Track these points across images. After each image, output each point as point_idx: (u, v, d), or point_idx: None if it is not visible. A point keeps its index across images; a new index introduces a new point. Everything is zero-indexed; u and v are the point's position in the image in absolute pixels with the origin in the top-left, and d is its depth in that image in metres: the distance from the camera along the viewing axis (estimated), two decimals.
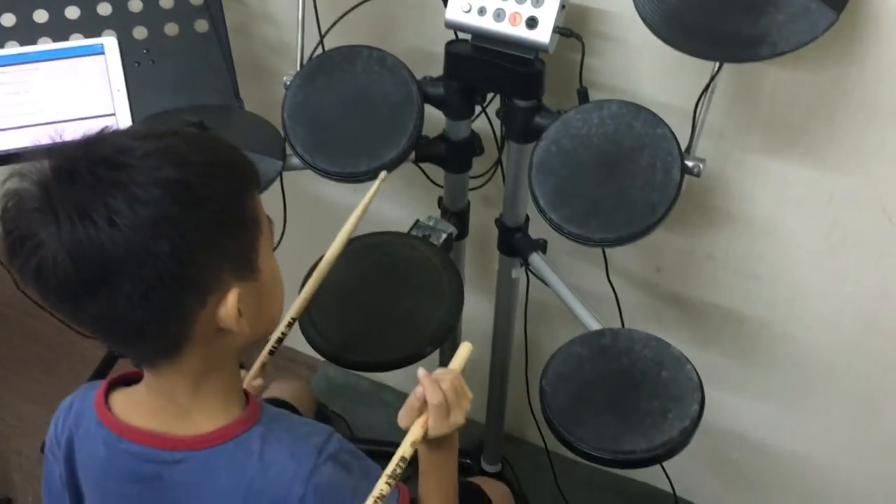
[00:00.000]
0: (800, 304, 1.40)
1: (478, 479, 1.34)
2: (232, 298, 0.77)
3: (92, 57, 1.35)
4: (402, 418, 0.91)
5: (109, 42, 1.35)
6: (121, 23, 1.37)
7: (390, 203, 1.58)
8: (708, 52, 1.05)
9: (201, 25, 1.40)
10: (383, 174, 1.13)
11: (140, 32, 1.38)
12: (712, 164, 1.29)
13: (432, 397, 0.88)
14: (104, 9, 1.37)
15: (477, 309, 1.65)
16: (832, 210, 1.28)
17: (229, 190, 0.77)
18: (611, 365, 1.14)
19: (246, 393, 0.89)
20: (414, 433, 0.89)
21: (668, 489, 1.72)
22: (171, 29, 1.39)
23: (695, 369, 1.12)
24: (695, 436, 1.54)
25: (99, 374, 1.83)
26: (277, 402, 1.39)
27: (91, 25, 1.36)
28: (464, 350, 0.96)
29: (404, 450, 0.87)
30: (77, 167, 0.71)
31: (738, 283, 1.43)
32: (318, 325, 1.20)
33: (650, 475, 1.76)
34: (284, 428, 0.87)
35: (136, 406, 0.87)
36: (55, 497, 0.94)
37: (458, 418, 0.91)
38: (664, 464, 1.52)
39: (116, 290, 0.71)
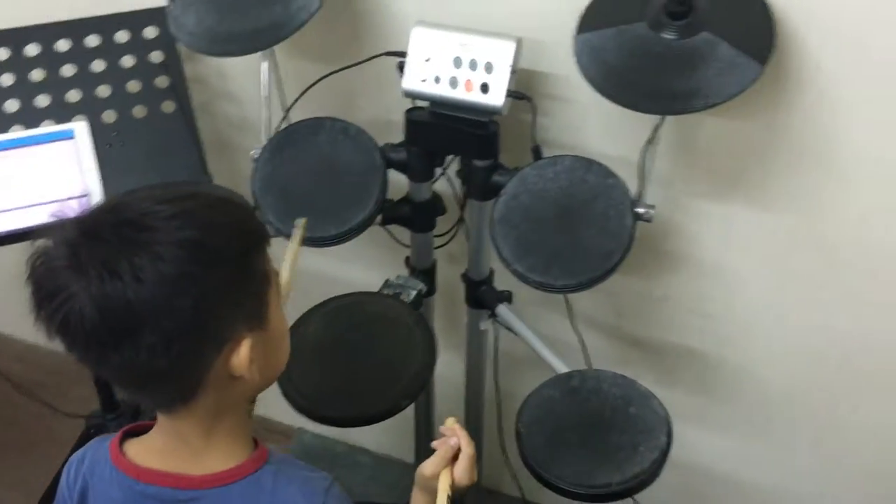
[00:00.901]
0: (751, 340, 1.48)
1: None
2: (244, 348, 0.82)
3: (62, 142, 1.39)
4: (431, 466, 0.98)
5: (79, 127, 1.40)
6: (90, 108, 1.43)
7: (360, 266, 1.63)
8: (648, 106, 1.14)
9: (168, 106, 1.46)
10: (301, 221, 1.20)
11: (109, 116, 1.43)
12: (662, 211, 1.38)
13: (468, 447, 0.96)
14: (73, 96, 1.43)
15: (448, 364, 1.69)
16: (773, 249, 1.37)
17: (243, 248, 0.83)
18: (581, 405, 1.20)
19: (255, 439, 0.93)
20: (445, 483, 0.95)
21: None
22: (140, 111, 1.45)
23: (661, 404, 1.18)
24: (663, 472, 1.61)
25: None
26: None
27: (61, 112, 1.42)
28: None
29: (442, 500, 0.94)
30: (104, 228, 0.77)
31: (694, 323, 1.51)
32: (297, 383, 1.24)
33: None
34: (293, 469, 0.91)
35: (149, 451, 0.91)
36: None
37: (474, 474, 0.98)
38: (637, 502, 1.59)
39: (140, 341, 0.76)
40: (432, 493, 0.98)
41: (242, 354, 0.82)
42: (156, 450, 0.91)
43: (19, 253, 2.20)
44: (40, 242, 0.79)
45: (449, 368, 1.70)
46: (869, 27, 1.13)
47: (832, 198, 1.28)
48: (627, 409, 1.18)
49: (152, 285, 0.75)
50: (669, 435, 1.14)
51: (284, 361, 0.94)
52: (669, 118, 1.24)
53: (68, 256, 0.76)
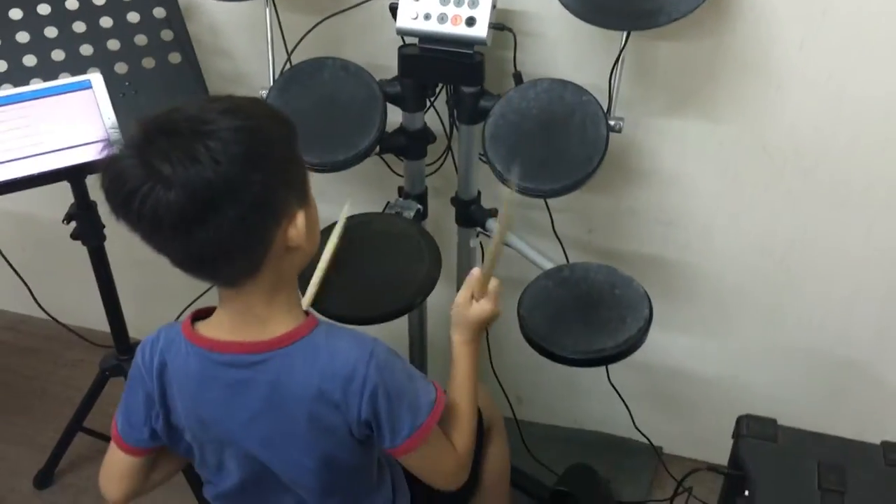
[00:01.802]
0: (707, 242, 1.69)
1: None
2: (301, 219, 0.98)
3: (81, 91, 1.51)
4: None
5: (95, 78, 1.51)
6: (103, 60, 1.54)
7: (358, 197, 1.77)
8: (618, 23, 1.33)
9: (174, 57, 1.59)
10: (347, 205, 1.39)
11: (121, 68, 1.55)
12: (625, 130, 1.56)
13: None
14: (86, 49, 1.54)
15: (438, 292, 1.85)
16: (723, 156, 1.58)
17: (286, 134, 0.99)
18: (573, 290, 1.38)
19: (305, 312, 1.09)
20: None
21: (618, 433, 1.96)
22: (149, 62, 1.57)
23: (640, 285, 1.36)
24: (634, 374, 1.81)
25: (82, 410, 1.92)
26: None
27: (76, 65, 1.53)
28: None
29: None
30: (174, 124, 0.90)
31: (657, 231, 1.71)
32: (321, 294, 1.38)
33: (604, 423, 2.00)
34: (341, 330, 1.07)
35: (219, 328, 1.05)
36: (135, 413, 1.11)
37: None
38: (626, 405, 1.77)
39: (223, 214, 0.90)
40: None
41: (300, 225, 0.98)
42: (224, 326, 1.06)
43: (18, 230, 2.29)
44: (106, 153, 0.91)
45: (439, 296, 1.86)
46: None
47: (770, 106, 1.49)
48: (613, 290, 1.36)
49: (228, 164, 0.89)
50: (650, 308, 1.32)
51: (319, 237, 1.09)
52: (630, 45, 1.43)
53: (140, 156, 0.89)
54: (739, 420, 1.25)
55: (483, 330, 1.21)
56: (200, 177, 0.88)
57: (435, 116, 1.62)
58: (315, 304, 1.35)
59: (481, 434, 1.45)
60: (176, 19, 1.60)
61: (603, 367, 1.76)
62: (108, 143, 0.94)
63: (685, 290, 1.77)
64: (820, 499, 1.10)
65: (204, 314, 1.10)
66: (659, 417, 1.94)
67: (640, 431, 1.86)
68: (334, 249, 1.37)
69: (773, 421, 1.25)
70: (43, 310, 2.06)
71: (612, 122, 1.40)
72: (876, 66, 1.40)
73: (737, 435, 1.22)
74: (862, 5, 1.36)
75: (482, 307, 1.18)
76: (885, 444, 1.20)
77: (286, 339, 1.03)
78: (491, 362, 1.87)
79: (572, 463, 1.85)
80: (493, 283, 1.20)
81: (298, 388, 1.02)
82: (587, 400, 1.99)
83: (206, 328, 1.07)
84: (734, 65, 1.47)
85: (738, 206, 1.62)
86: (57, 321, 2.11)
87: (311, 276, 1.34)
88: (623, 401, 1.80)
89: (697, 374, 1.88)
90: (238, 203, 0.91)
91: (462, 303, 1.20)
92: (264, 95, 1.49)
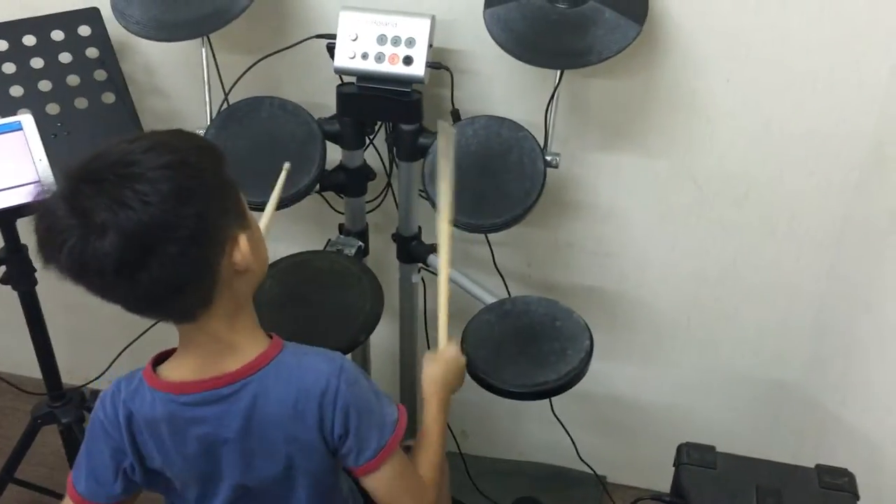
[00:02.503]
0: (643, 272, 1.73)
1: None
2: (243, 242, 0.98)
3: (12, 133, 1.47)
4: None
5: (26, 119, 1.48)
6: (33, 102, 1.52)
7: (299, 236, 1.77)
8: (551, 62, 1.36)
9: (108, 97, 1.57)
10: (287, 165, 1.35)
11: (53, 108, 1.53)
12: (561, 165, 1.59)
13: None
14: (16, 91, 1.52)
15: (382, 330, 1.85)
16: (656, 188, 1.62)
17: (214, 161, 0.98)
18: (514, 323, 1.39)
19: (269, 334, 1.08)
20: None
21: (565, 465, 1.97)
22: (81, 103, 1.55)
23: (580, 317, 1.38)
24: (577, 404, 1.82)
25: (14, 459, 1.86)
26: None
27: (6, 106, 1.50)
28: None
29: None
30: (100, 172, 0.89)
31: (595, 263, 1.74)
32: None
33: (548, 454, 2.01)
34: (307, 348, 1.07)
35: (184, 367, 1.03)
36: (102, 470, 1.08)
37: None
38: (570, 435, 1.78)
39: (162, 254, 0.89)
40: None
41: (243, 248, 0.98)
42: (189, 365, 1.04)
43: None
44: (39, 203, 0.90)
45: (382, 333, 1.85)
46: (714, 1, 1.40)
47: (700, 140, 1.54)
48: (554, 322, 1.38)
49: (159, 204, 0.88)
50: (591, 339, 1.34)
51: (267, 257, 1.08)
52: (564, 82, 1.47)
53: (70, 208, 0.88)
54: (680, 448, 1.28)
55: (453, 379, 1.25)
56: (132, 221, 0.87)
57: (375, 154, 1.63)
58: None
59: None
60: (109, 59, 1.58)
61: (547, 399, 1.79)
62: (41, 189, 0.92)
63: (624, 320, 1.80)
64: None
65: (165, 356, 1.07)
66: (603, 446, 1.96)
67: (583, 461, 1.87)
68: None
69: (712, 448, 1.28)
70: None
71: (548, 158, 1.43)
72: (798, 101, 1.46)
73: (678, 463, 1.25)
74: (784, 41, 1.42)
75: (443, 358, 1.24)
76: (819, 467, 1.24)
77: (257, 363, 1.03)
78: None
79: (518, 496, 1.85)
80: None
81: (274, 410, 1.02)
82: (532, 432, 2.00)
83: (169, 371, 1.05)
84: (664, 100, 1.52)
85: (673, 237, 1.67)
86: None
87: None
88: (566, 431, 1.81)
89: (639, 402, 1.91)
90: (176, 240, 0.90)
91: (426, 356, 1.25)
92: (202, 135, 1.48)
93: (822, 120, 1.47)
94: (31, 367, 1.75)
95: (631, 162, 1.60)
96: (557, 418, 1.78)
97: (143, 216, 0.88)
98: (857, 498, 1.18)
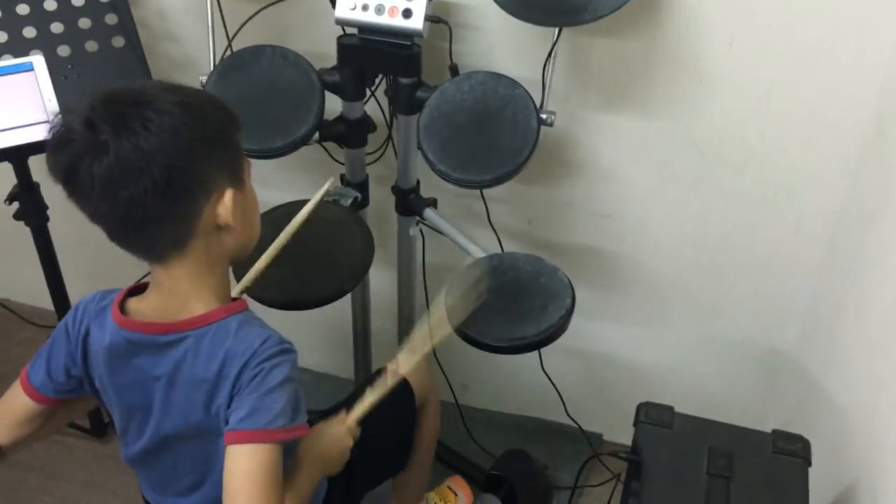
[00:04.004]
0: (642, 234, 1.73)
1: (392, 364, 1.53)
2: (228, 196, 1.02)
3: (23, 73, 1.52)
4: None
5: (38, 60, 1.53)
6: (46, 43, 1.56)
7: (300, 184, 1.81)
8: (546, 20, 1.36)
9: (118, 41, 1.61)
10: (331, 180, 1.41)
11: (64, 50, 1.57)
12: (561, 124, 1.60)
13: None
14: (29, 32, 1.56)
15: (381, 279, 1.89)
16: (657, 151, 1.61)
17: (222, 118, 1.03)
18: (500, 279, 1.41)
19: (234, 299, 1.12)
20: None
21: (560, 420, 2.00)
22: (91, 46, 1.59)
23: (565, 275, 1.40)
24: (572, 362, 1.84)
25: None
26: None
27: (19, 47, 1.54)
28: None
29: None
30: (117, 96, 0.96)
31: (594, 223, 1.74)
32: (258, 279, 1.41)
33: (543, 409, 2.04)
34: (258, 323, 1.09)
35: (143, 305, 1.09)
36: (56, 365, 1.15)
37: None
38: (559, 392, 1.81)
39: (148, 178, 0.94)
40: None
41: (227, 202, 1.02)
42: (149, 304, 1.09)
43: None
44: (59, 119, 0.97)
45: (382, 283, 1.90)
46: None
47: (700, 103, 1.53)
48: (539, 279, 1.40)
49: (158, 133, 0.94)
50: (573, 297, 1.36)
51: (258, 229, 1.12)
52: (564, 40, 1.46)
53: (84, 122, 0.94)
54: (639, 407, 1.30)
55: (333, 456, 1.21)
56: (131, 142, 0.93)
57: (377, 106, 1.65)
58: (248, 286, 1.38)
59: (415, 409, 1.49)
60: (121, 4, 1.61)
61: (542, 355, 1.82)
62: (55, 121, 0.98)
63: (622, 281, 1.80)
64: (707, 483, 1.15)
65: (141, 289, 1.13)
66: (598, 405, 1.98)
67: (571, 417, 1.90)
68: (300, 223, 1.37)
69: (671, 408, 1.30)
70: None
71: (543, 116, 1.43)
72: (800, 67, 1.44)
73: (636, 421, 1.26)
74: (789, 7, 1.39)
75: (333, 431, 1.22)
76: (775, 432, 1.25)
77: (200, 320, 1.06)
78: (433, 351, 1.90)
79: (509, 448, 1.89)
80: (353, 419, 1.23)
81: (200, 370, 1.05)
82: (529, 387, 2.03)
83: (134, 303, 1.10)
84: (666, 62, 1.51)
85: (672, 201, 1.66)
86: (5, 303, 2.12)
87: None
88: (555, 387, 1.84)
89: (634, 363, 1.92)
90: (164, 168, 0.95)
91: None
92: (204, 81, 1.51)
93: (824, 89, 1.44)
94: (47, 300, 1.83)
95: (632, 123, 1.60)
96: (546, 374, 1.80)
97: (141, 139, 0.94)
98: (809, 464, 1.19)
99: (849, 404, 1.38)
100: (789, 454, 1.19)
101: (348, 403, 1.26)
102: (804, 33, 1.41)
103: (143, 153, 0.94)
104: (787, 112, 1.49)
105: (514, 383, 2.05)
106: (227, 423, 1.04)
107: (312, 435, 1.15)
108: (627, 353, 1.91)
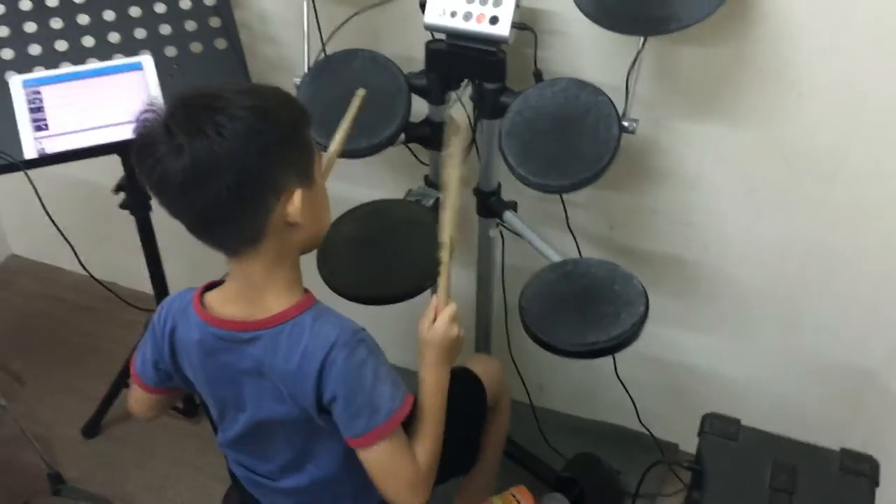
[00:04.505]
0: (726, 244, 1.70)
1: (468, 361, 1.56)
2: (297, 197, 1.07)
3: (132, 72, 1.63)
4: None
5: (146, 60, 1.63)
6: (154, 44, 1.66)
7: (385, 183, 1.86)
8: (632, 29, 1.36)
9: (221, 43, 1.69)
10: (361, 91, 1.40)
11: (170, 51, 1.66)
12: (646, 132, 1.60)
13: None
14: (140, 33, 1.66)
15: (459, 278, 1.91)
16: (743, 160, 1.59)
17: (294, 118, 1.08)
18: (574, 284, 1.42)
19: (306, 290, 1.17)
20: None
21: (635, 428, 1.99)
22: (196, 47, 1.68)
23: (640, 282, 1.40)
24: (652, 371, 1.83)
25: (129, 367, 2.07)
26: (466, 375, 1.52)
27: (130, 47, 1.65)
28: None
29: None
30: (194, 100, 1.03)
31: (677, 231, 1.73)
32: (338, 273, 1.47)
33: (619, 415, 2.03)
34: (330, 314, 1.14)
35: (222, 300, 1.16)
36: (149, 361, 1.25)
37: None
38: (632, 399, 1.81)
39: (220, 181, 1.00)
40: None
41: (296, 201, 1.07)
42: (227, 299, 1.16)
43: (79, 198, 2.47)
44: (142, 116, 1.03)
45: (461, 282, 1.92)
46: None
47: (790, 112, 1.50)
48: (613, 286, 1.40)
49: (231, 137, 1.00)
50: (646, 305, 1.36)
51: (328, 222, 1.18)
52: (651, 48, 1.46)
53: (164, 126, 1.00)
54: (704, 418, 1.29)
55: (446, 353, 1.22)
56: (205, 146, 0.99)
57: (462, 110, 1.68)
58: (323, 272, 1.44)
59: (486, 409, 1.52)
60: (224, 7, 1.70)
61: (619, 361, 1.82)
62: (146, 110, 1.04)
63: (704, 290, 1.79)
64: (769, 497, 1.13)
65: (216, 284, 1.19)
66: (676, 414, 1.96)
67: (644, 426, 1.89)
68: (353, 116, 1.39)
69: (737, 420, 1.28)
70: (89, 274, 2.20)
71: (625, 123, 1.43)
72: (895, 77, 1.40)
73: (700, 432, 1.26)
74: (883, 15, 1.36)
75: (435, 330, 1.21)
76: (843, 450, 1.22)
77: (277, 318, 1.12)
78: (510, 350, 1.93)
79: (580, 451, 1.90)
80: (449, 308, 1.22)
81: (282, 365, 1.11)
82: (605, 392, 2.02)
83: (212, 298, 1.17)
84: (755, 71, 1.49)
85: (758, 211, 1.64)
86: (106, 286, 2.25)
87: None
88: (629, 394, 1.84)
89: (714, 373, 1.90)
90: (235, 172, 1.01)
91: (421, 328, 1.22)
92: (297, 82, 1.58)
93: None
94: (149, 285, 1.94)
95: (718, 132, 1.58)
96: (620, 380, 1.80)
97: (214, 144, 0.99)
98: (877, 484, 1.16)
99: None
100: (856, 473, 1.16)
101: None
102: None
103: (216, 157, 0.99)
104: (883, 122, 1.45)
105: (589, 387, 2.05)
106: (321, 413, 1.11)
107: (428, 348, 1.20)
108: (707, 364, 1.89)
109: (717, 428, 1.24)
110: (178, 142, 0.99)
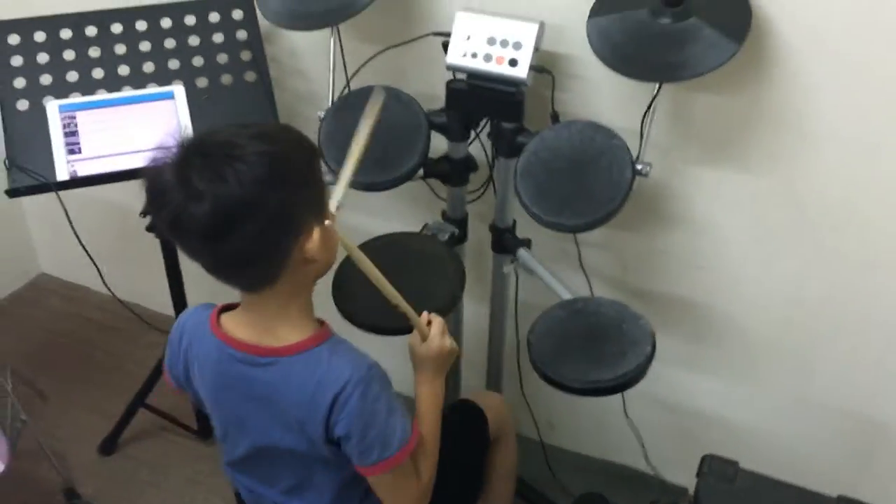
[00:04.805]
0: (736, 289, 1.72)
1: (471, 394, 1.61)
2: (316, 234, 1.09)
3: (164, 101, 1.69)
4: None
5: (178, 90, 1.70)
6: (186, 74, 1.72)
7: (403, 216, 1.90)
8: (646, 75, 1.40)
9: (250, 76, 1.75)
10: (380, 90, 1.41)
11: (202, 82, 1.73)
12: (661, 175, 1.63)
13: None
14: (173, 64, 1.72)
15: (474, 314, 1.95)
16: (755, 208, 1.61)
17: (306, 158, 1.11)
18: (583, 322, 1.45)
19: (321, 321, 1.20)
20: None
21: (644, 468, 2.00)
22: (227, 79, 1.74)
23: (648, 322, 1.42)
24: (661, 414, 1.83)
25: (146, 388, 2.13)
26: (469, 406, 1.57)
27: (163, 76, 1.71)
28: None
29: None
30: (210, 147, 1.04)
31: (688, 275, 1.75)
32: (352, 302, 1.50)
33: (629, 456, 2.04)
34: (344, 347, 1.18)
35: (238, 324, 1.19)
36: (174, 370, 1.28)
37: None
38: (641, 439, 1.82)
39: (244, 229, 1.02)
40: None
41: (315, 239, 1.10)
42: (243, 323, 1.19)
43: (108, 221, 2.54)
44: (149, 165, 1.05)
45: (475, 317, 1.96)
46: (825, 21, 1.38)
47: (803, 162, 1.52)
48: (621, 325, 1.42)
49: (251, 185, 1.01)
50: (653, 345, 1.37)
51: (336, 252, 1.20)
52: (667, 94, 1.50)
53: (177, 173, 1.02)
54: (703, 459, 1.30)
55: (442, 365, 1.29)
56: (227, 195, 1.00)
57: (481, 148, 1.72)
58: (338, 299, 1.48)
59: (488, 439, 1.54)
60: (255, 42, 1.76)
61: (628, 401, 1.83)
62: (154, 156, 1.06)
63: (713, 334, 1.80)
64: None
65: (230, 308, 1.23)
66: (684, 457, 1.95)
67: (651, 466, 1.89)
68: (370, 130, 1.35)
69: (735, 463, 1.29)
70: (113, 294, 2.26)
71: (639, 167, 1.46)
72: None
73: (699, 473, 1.26)
74: (894, 72, 1.38)
75: (430, 345, 1.28)
76: (840, 497, 1.22)
77: (294, 348, 1.15)
78: (521, 386, 1.94)
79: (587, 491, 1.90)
80: (437, 322, 1.30)
81: (294, 393, 1.14)
82: (616, 433, 2.03)
83: (228, 322, 1.20)
84: (770, 119, 1.51)
85: (769, 257, 1.65)
86: (130, 306, 2.31)
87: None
88: (637, 435, 1.84)
89: (723, 418, 1.90)
90: (259, 219, 1.03)
91: (414, 345, 1.30)
92: (321, 116, 1.63)
93: None
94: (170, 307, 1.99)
95: (731, 178, 1.60)
96: (629, 420, 1.81)
97: (236, 191, 1.00)
98: None
99: None
100: None
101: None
102: None
103: (237, 205, 1.01)
104: (893, 177, 1.46)
105: (600, 427, 2.06)
106: (330, 444, 1.15)
107: (421, 364, 1.28)
108: (717, 408, 1.89)
109: (716, 469, 1.25)
110: (198, 189, 0.99)
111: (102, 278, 2.17)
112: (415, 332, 1.29)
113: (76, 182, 1.62)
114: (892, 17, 1.33)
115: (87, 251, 1.91)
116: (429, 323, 1.31)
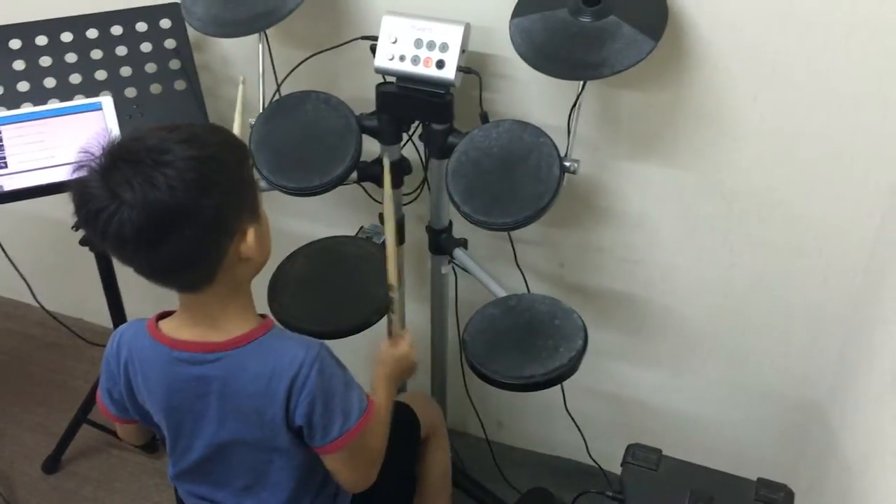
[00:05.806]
0: (671, 280, 1.75)
1: (401, 395, 1.63)
2: (251, 235, 1.11)
3: (92, 112, 1.67)
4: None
5: (106, 101, 1.68)
6: (114, 85, 1.71)
7: (339, 220, 1.90)
8: (567, 74, 1.42)
9: (179, 84, 1.74)
10: (242, 78, 1.47)
11: (130, 92, 1.71)
12: (592, 172, 1.66)
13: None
14: (101, 75, 1.71)
15: (415, 313, 1.96)
16: (684, 200, 1.64)
17: (237, 159, 1.12)
18: (516, 319, 1.46)
19: (262, 315, 1.21)
20: None
21: (591, 462, 2.02)
22: (156, 88, 1.73)
23: (580, 317, 1.44)
24: (603, 405, 1.86)
25: (88, 403, 2.10)
26: (401, 406, 1.57)
27: (90, 88, 1.70)
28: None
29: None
30: (137, 153, 1.02)
31: (624, 269, 1.78)
32: (285, 306, 1.51)
33: (573, 450, 2.06)
34: (291, 334, 1.20)
35: (179, 326, 1.19)
36: (103, 386, 1.27)
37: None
38: (584, 436, 1.84)
39: (178, 234, 1.03)
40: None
41: (250, 240, 1.11)
42: (185, 324, 1.19)
43: (42, 234, 2.50)
44: (77, 174, 1.03)
45: (417, 317, 1.97)
46: (741, 17, 1.41)
47: (726, 154, 1.55)
48: (553, 321, 1.44)
49: (183, 191, 1.01)
50: (585, 339, 1.40)
51: (270, 249, 1.21)
52: (592, 91, 1.52)
53: (105, 182, 1.01)
54: (628, 448, 1.32)
55: (400, 371, 1.37)
56: (158, 201, 1.00)
57: (414, 150, 1.73)
58: (272, 305, 1.51)
59: (418, 441, 1.55)
60: (184, 50, 1.75)
61: (569, 396, 1.85)
62: (79, 165, 1.06)
63: (652, 326, 1.83)
64: None
65: (166, 315, 1.23)
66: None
67: (593, 459, 1.92)
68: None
69: (659, 451, 1.32)
70: (45, 310, 2.21)
71: (567, 164, 1.48)
72: (824, 123, 1.45)
73: (623, 461, 1.29)
74: (809, 64, 1.42)
75: (399, 349, 1.37)
76: (760, 480, 1.25)
77: (241, 340, 1.16)
78: (465, 385, 1.95)
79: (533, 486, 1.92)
80: (408, 335, 1.39)
81: (249, 384, 1.15)
82: (560, 428, 2.05)
83: (168, 326, 1.20)
84: (692, 115, 1.54)
85: (700, 249, 1.69)
86: (69, 323, 2.27)
87: None
88: (579, 429, 1.87)
89: (662, 408, 1.93)
90: (192, 224, 1.03)
91: (383, 346, 1.39)
92: (252, 122, 1.63)
93: (849, 144, 1.45)
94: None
95: (660, 173, 1.63)
96: (570, 415, 1.83)
97: (168, 199, 1.00)
98: None
99: (854, 463, 1.37)
100: (771, 502, 1.19)
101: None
102: (826, 87, 1.43)
103: (171, 211, 1.01)
104: (813, 166, 1.50)
105: (544, 423, 2.08)
106: (290, 430, 1.17)
107: (384, 363, 1.35)
108: (656, 398, 1.92)
109: (640, 457, 1.28)
110: (128, 198, 0.99)
111: (34, 294, 2.14)
112: (388, 338, 1.37)
113: (3, 197, 1.59)
114: (806, 7, 1.37)
115: (15, 266, 1.88)
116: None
